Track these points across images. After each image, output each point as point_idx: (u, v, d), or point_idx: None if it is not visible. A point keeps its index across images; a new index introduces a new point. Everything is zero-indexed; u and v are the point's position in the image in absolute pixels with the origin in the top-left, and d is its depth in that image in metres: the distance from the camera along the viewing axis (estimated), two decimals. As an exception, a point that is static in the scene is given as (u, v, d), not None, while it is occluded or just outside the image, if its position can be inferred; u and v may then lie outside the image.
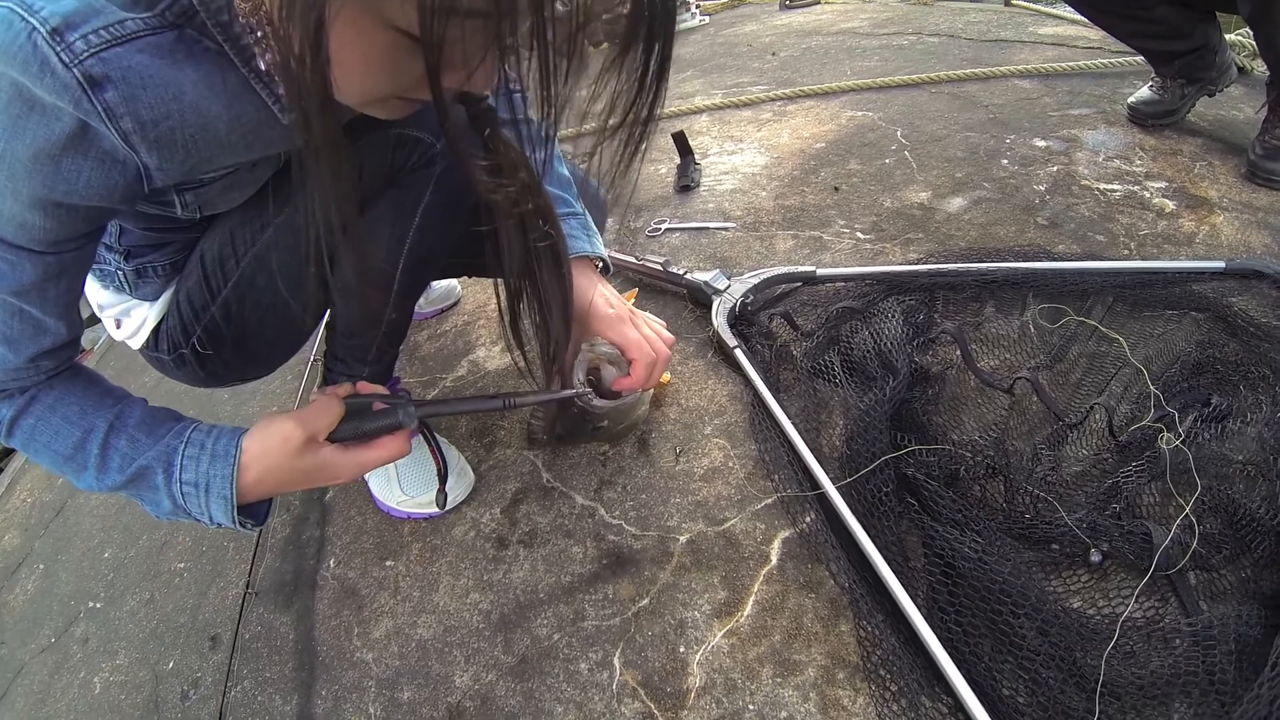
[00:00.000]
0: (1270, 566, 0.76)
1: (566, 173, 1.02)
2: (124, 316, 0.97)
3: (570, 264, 0.86)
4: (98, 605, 1.23)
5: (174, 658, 1.08)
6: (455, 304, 1.65)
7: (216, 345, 0.94)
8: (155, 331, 0.96)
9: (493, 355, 1.44)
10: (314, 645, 1.01)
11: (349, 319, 1.01)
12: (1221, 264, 1.13)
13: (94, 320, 1.08)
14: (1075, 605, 0.77)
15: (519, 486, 1.13)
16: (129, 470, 0.72)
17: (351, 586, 1.07)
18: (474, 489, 1.14)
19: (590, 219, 1.02)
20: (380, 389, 0.83)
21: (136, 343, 0.98)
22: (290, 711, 0.94)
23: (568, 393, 0.92)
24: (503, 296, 0.84)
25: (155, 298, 0.96)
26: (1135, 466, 0.87)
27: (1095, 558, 0.80)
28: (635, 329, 0.95)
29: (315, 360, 1.55)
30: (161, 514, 0.74)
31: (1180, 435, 0.87)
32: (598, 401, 0.91)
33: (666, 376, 1.22)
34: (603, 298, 0.95)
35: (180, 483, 0.72)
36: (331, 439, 0.77)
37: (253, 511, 0.77)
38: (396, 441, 0.80)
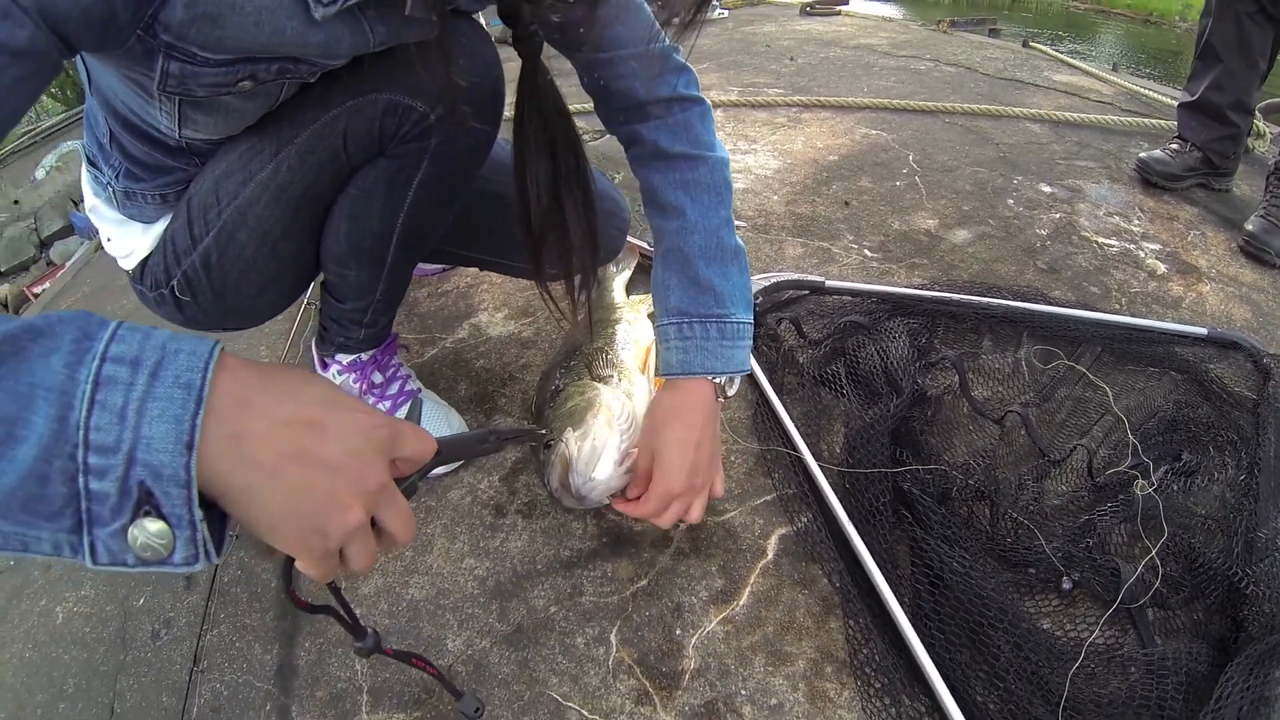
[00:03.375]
0: (1220, 612, 0.85)
1: (737, 242, 0.89)
2: (116, 235, 0.92)
3: (596, 194, 0.84)
4: (63, 531, 1.19)
5: (145, 594, 1.03)
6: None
7: (194, 293, 0.90)
8: (143, 263, 0.92)
9: (495, 321, 1.43)
10: (297, 596, 0.99)
11: (340, 286, 0.99)
12: (1204, 331, 1.21)
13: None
14: (1045, 626, 0.84)
15: (519, 456, 1.13)
16: None
17: (339, 539, 1.06)
18: None
19: (738, 325, 0.87)
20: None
21: (127, 265, 0.94)
22: (271, 661, 0.91)
23: (541, 434, 0.90)
24: (533, 217, 0.81)
25: (146, 220, 0.92)
26: (1110, 507, 0.94)
27: (1066, 585, 0.87)
28: (682, 494, 0.84)
29: (310, 304, 1.49)
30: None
31: (1153, 484, 0.95)
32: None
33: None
34: (679, 450, 0.83)
35: (102, 360, 0.37)
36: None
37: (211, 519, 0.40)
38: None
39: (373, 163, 0.85)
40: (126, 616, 1.01)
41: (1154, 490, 0.94)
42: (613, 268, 1.42)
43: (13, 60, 0.47)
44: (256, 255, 0.88)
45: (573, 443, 0.92)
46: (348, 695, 0.87)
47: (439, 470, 1.01)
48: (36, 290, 4.03)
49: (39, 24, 0.48)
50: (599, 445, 0.92)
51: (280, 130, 0.81)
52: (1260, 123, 1.80)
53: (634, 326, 1.20)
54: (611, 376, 1.08)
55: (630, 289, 1.39)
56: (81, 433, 0.35)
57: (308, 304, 1.49)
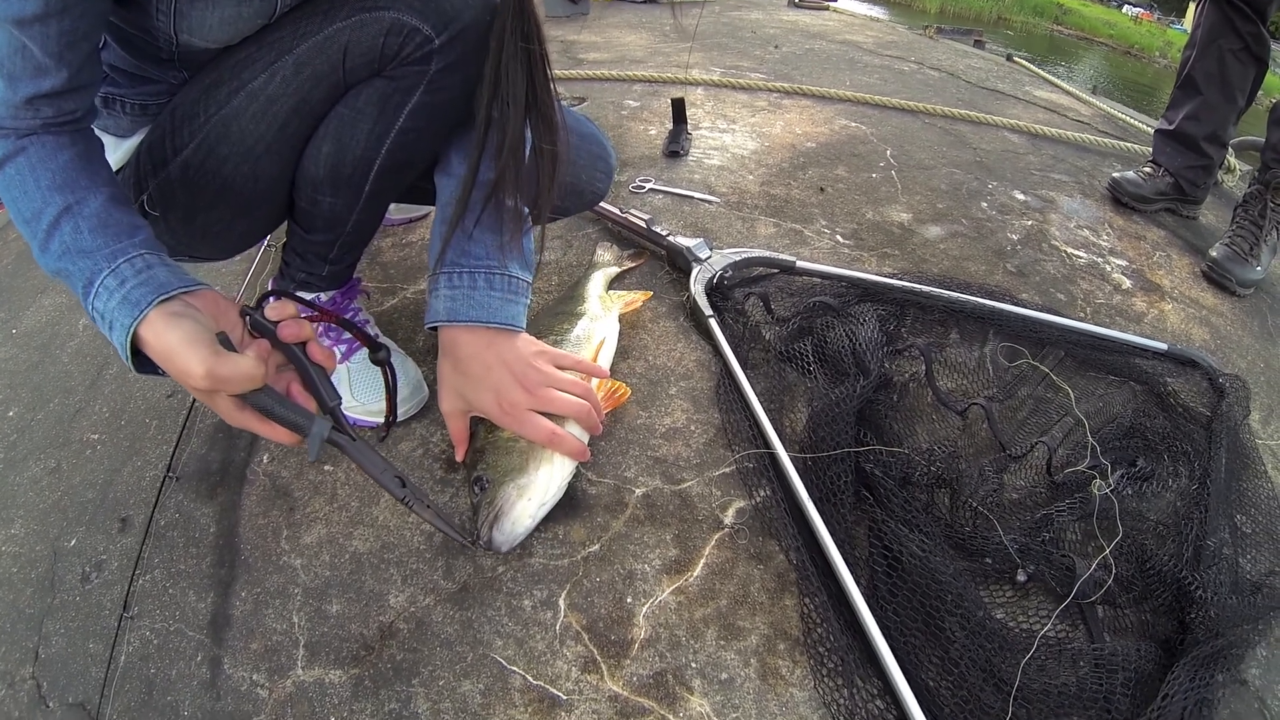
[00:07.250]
0: (1167, 614, 0.85)
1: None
2: None
3: (565, 123, 0.84)
4: (-5, 466, 1.12)
5: (77, 535, 0.99)
6: (425, 216, 1.58)
7: (166, 209, 0.88)
8: None
9: (457, 277, 1.38)
10: (236, 542, 0.95)
11: (311, 214, 0.94)
12: (1164, 346, 1.23)
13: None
14: (999, 616, 0.83)
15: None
16: (61, 263, 0.69)
17: (284, 486, 1.01)
18: (426, 405, 1.09)
19: (518, 282, 0.94)
20: (326, 356, 0.77)
21: None
22: (204, 609, 0.88)
23: (461, 540, 0.84)
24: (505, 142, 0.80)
25: (119, 134, 0.89)
26: (1067, 504, 0.93)
27: (1021, 577, 0.86)
28: (533, 423, 0.89)
29: (270, 246, 1.45)
30: None
31: (1110, 485, 0.95)
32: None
33: (625, 392, 1.07)
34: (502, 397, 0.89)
35: (91, 306, 0.68)
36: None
37: (151, 364, 0.69)
38: (287, 436, 0.73)
39: (367, 83, 0.83)
40: (57, 558, 0.97)
41: (1110, 492, 0.93)
42: (603, 255, 1.37)
43: (30, 21, 0.62)
44: (236, 173, 0.85)
45: (513, 498, 0.88)
46: (283, 649, 0.83)
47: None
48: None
49: None
50: (532, 505, 0.88)
51: (280, 41, 0.80)
52: (1232, 158, 1.85)
53: (596, 322, 1.13)
54: None
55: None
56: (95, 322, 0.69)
57: (267, 246, 1.44)
